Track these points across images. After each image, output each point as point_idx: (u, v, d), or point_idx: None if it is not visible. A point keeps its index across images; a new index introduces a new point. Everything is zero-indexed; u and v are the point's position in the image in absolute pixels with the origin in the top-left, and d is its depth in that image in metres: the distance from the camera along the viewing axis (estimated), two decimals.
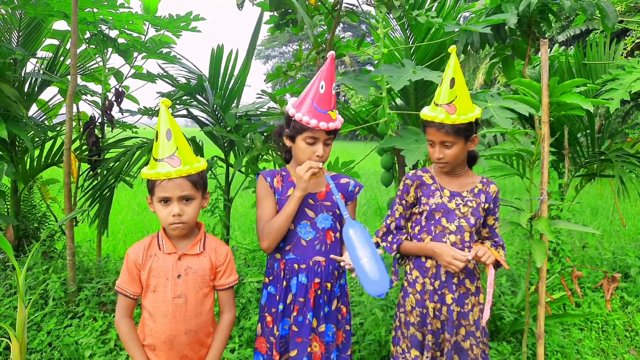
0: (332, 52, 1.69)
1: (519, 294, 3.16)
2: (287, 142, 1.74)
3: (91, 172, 3.49)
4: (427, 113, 1.72)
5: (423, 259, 1.80)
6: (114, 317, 2.86)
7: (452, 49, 1.73)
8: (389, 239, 1.87)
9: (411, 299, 1.80)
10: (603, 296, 3.32)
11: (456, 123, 1.66)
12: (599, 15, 3.22)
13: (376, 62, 2.99)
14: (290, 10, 3.04)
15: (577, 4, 3.01)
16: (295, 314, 1.70)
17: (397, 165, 3.60)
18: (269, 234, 1.68)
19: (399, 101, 4.02)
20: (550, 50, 4.61)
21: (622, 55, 3.83)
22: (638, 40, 4.61)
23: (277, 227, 1.67)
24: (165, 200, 1.48)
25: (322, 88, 1.63)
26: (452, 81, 1.66)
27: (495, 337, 2.90)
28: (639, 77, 2.91)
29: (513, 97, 2.17)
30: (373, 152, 3.30)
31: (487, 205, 1.80)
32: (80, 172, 3.44)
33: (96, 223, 3.45)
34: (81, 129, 3.52)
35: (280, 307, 1.71)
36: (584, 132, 3.84)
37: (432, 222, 1.78)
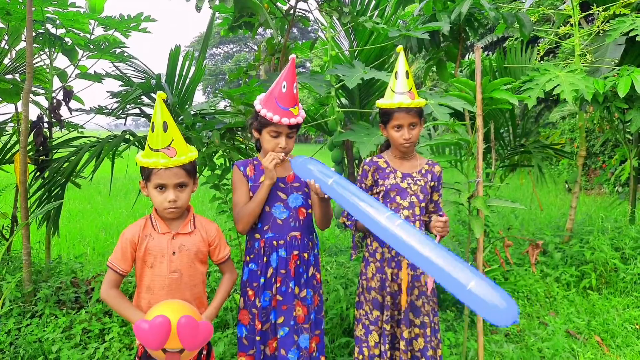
0: (293, 56, 1.91)
1: None
2: (255, 134, 1.94)
3: (38, 173, 3.43)
4: (392, 101, 1.95)
5: None
6: (75, 313, 2.89)
7: (400, 48, 2.04)
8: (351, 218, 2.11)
9: (372, 267, 2.05)
10: (527, 270, 3.79)
11: (418, 106, 1.96)
12: (517, 25, 3.69)
13: (309, 64, 3.23)
14: (244, 14, 3.20)
15: (499, 14, 3.45)
16: (278, 285, 1.89)
17: (346, 159, 3.87)
18: (242, 218, 1.89)
19: (344, 100, 4.31)
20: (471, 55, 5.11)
21: (536, 59, 4.35)
22: (549, 47, 5.32)
23: (250, 212, 1.87)
24: (161, 187, 1.62)
25: (284, 88, 1.83)
26: (407, 74, 1.96)
27: (440, 307, 3.24)
28: (551, 77, 3.39)
29: (452, 94, 2.48)
30: (322, 150, 3.53)
31: (433, 183, 2.09)
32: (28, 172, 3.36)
33: (44, 225, 3.40)
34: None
35: (262, 280, 1.90)
36: (506, 128, 4.33)
37: (388, 200, 2.03)
